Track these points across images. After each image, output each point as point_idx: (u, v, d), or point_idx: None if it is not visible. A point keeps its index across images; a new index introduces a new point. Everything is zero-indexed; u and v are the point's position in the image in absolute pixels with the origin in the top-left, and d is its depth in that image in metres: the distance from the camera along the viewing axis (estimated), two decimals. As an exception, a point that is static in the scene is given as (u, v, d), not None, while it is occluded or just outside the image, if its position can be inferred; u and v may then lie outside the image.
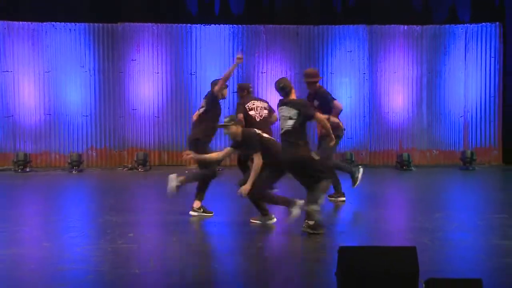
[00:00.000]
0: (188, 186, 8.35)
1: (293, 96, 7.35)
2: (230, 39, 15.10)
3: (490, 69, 15.40)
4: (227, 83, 8.52)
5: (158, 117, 15.03)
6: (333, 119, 8.97)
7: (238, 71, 15.06)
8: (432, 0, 15.33)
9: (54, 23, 14.63)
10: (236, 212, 8.87)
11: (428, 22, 15.36)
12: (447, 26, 15.37)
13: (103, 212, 7.77)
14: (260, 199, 7.64)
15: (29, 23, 14.56)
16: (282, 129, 7.29)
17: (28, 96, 14.62)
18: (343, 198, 9.49)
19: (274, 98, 14.95)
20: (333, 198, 9.50)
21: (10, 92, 14.57)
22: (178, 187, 8.09)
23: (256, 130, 7.83)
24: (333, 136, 7.51)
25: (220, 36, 15.09)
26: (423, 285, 4.36)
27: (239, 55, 8.61)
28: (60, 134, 14.78)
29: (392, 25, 15.35)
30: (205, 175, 8.27)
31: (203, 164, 8.22)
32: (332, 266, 5.02)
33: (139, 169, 14.35)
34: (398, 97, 15.39)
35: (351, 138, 15.13)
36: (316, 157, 7.23)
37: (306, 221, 7.03)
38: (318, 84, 9.49)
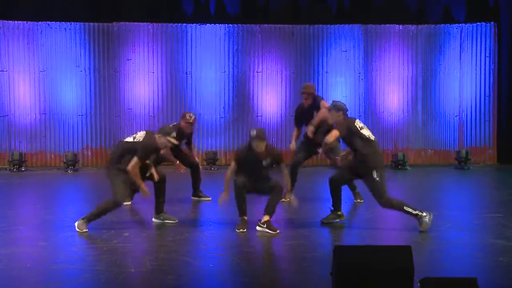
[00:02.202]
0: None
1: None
2: (226, 39, 15.09)
3: (485, 69, 15.42)
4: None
5: (154, 116, 15.00)
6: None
7: (233, 70, 15.07)
8: (427, 0, 15.34)
9: (49, 22, 14.59)
10: (232, 211, 8.86)
11: (423, 22, 15.36)
12: (442, 25, 15.38)
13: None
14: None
15: (25, 22, 14.51)
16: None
17: (23, 95, 14.58)
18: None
19: (269, 97, 15.17)
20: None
21: (5, 91, 14.51)
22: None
23: None
24: None
25: (216, 35, 15.07)
26: (418, 284, 4.38)
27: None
28: (55, 133, 14.74)
29: (387, 25, 15.35)
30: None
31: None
32: (328, 265, 5.03)
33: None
34: (393, 96, 15.40)
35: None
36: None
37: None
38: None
